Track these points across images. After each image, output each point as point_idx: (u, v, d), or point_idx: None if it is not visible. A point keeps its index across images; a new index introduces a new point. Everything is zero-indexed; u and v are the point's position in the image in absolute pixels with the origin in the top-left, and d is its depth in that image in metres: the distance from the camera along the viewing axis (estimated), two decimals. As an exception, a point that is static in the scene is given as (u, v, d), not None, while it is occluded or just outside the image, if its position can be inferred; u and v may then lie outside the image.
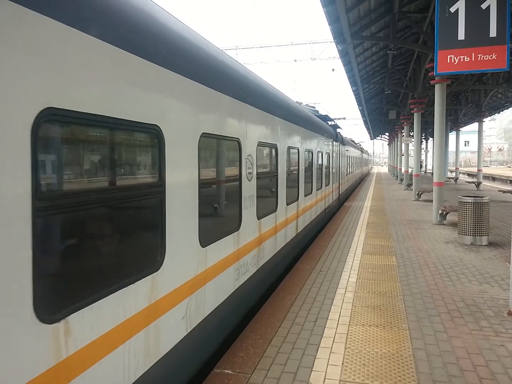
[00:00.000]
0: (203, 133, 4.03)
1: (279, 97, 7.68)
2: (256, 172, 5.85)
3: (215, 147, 4.69)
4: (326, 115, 16.30)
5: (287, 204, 7.90)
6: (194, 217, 3.87)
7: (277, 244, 7.27)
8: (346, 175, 22.80)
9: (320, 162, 12.20)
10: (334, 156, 16.06)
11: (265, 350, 4.54)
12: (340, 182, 18.73)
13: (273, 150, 7.02)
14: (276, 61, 34.52)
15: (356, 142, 40.91)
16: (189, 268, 3.78)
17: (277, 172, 7.15)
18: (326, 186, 13.61)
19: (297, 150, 8.74)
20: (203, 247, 4.11)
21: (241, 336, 4.89)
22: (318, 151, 11.76)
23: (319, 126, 12.18)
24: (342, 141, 19.59)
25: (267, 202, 6.74)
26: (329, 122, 16.80)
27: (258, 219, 6.04)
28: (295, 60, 33.86)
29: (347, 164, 23.45)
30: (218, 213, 4.85)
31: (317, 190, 11.57)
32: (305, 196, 9.74)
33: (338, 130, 18.68)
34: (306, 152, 9.78)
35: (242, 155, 5.32)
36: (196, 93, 3.88)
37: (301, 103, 14.24)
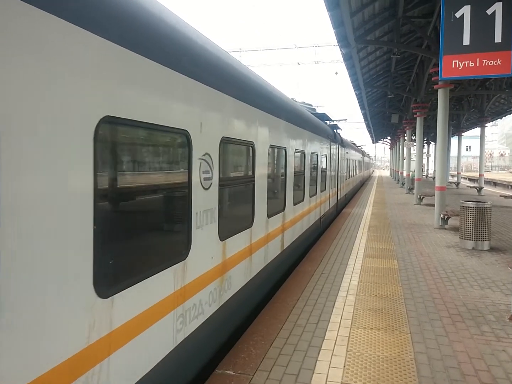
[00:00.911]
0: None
1: (256, 81, 6.07)
2: (219, 178, 4.40)
3: None
4: (324, 113, 15.16)
5: (269, 216, 6.51)
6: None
7: (253, 269, 5.74)
8: (346, 179, 21.33)
9: (314, 165, 10.84)
10: (331, 158, 14.67)
11: (266, 351, 4.54)
12: (338, 187, 17.45)
13: (249, 149, 5.58)
14: (280, 64, 34.60)
15: (357, 145, 39.54)
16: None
17: (254, 177, 5.68)
18: (322, 192, 12.32)
19: (284, 150, 7.42)
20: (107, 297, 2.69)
21: (243, 337, 4.90)
22: (312, 153, 10.39)
23: (314, 124, 10.81)
24: (342, 142, 18.31)
25: (238, 216, 5.41)
26: (328, 122, 15.79)
27: (222, 240, 4.55)
28: (299, 63, 33.95)
29: (347, 167, 22.02)
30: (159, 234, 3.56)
31: (310, 197, 10.26)
32: (294, 204, 8.33)
33: (337, 131, 17.61)
34: (296, 153, 8.43)
35: (193, 154, 3.78)
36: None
37: (296, 101, 13.02)
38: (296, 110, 8.80)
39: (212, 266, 4.28)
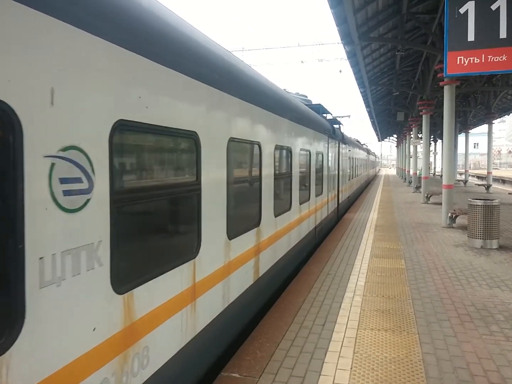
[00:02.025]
0: None
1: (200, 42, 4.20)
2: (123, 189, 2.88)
3: None
4: (320, 104, 13.05)
5: (232, 237, 4.64)
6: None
7: (197, 323, 3.83)
8: (348, 180, 19.13)
9: (305, 164, 8.99)
10: (330, 157, 12.68)
11: (272, 353, 4.51)
12: (339, 189, 15.51)
13: (191, 144, 3.76)
14: (283, 63, 34.56)
15: (362, 143, 37.64)
16: None
17: (200, 183, 3.81)
18: (317, 196, 10.40)
19: (257, 146, 5.60)
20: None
21: (248, 339, 4.87)
22: (303, 150, 8.52)
23: (304, 114, 8.91)
24: (343, 139, 16.23)
25: (166, 244, 3.56)
26: (326, 117, 13.91)
27: (119, 295, 2.71)
28: (302, 62, 33.89)
29: (350, 166, 19.80)
30: None
31: (300, 204, 8.37)
32: (276, 216, 6.52)
33: (339, 126, 15.96)
34: (277, 151, 6.58)
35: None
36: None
37: (289, 92, 11.37)
38: (277, 95, 6.85)
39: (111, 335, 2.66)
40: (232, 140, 4.65)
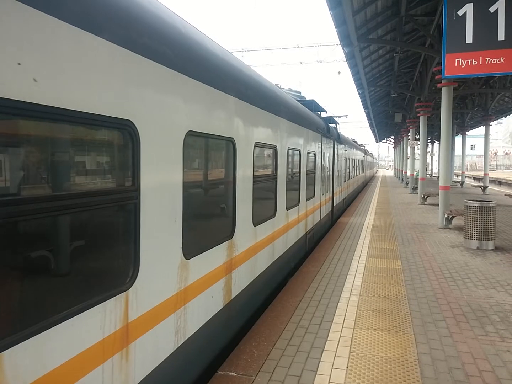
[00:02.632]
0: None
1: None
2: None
3: None
4: (313, 100, 12.04)
5: (190, 255, 3.77)
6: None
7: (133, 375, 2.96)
8: (344, 181, 18.29)
9: (295, 165, 8.24)
10: (324, 157, 11.83)
11: (269, 352, 4.53)
12: (334, 191, 14.71)
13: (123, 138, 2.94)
14: (282, 64, 34.58)
15: (359, 144, 36.99)
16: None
17: (137, 189, 2.96)
18: (308, 200, 9.62)
19: (231, 143, 4.77)
20: None
21: (245, 338, 4.88)
22: (291, 149, 7.70)
23: (293, 109, 7.97)
24: (338, 138, 15.41)
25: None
26: (321, 114, 13.08)
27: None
28: (301, 63, 33.90)
29: (346, 167, 18.98)
30: None
31: (288, 209, 7.57)
32: (256, 225, 5.67)
33: (335, 125, 15.47)
34: (257, 149, 5.72)
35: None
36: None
37: (282, 88, 10.80)
38: (263, 88, 6.12)
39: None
40: (191, 134, 3.74)
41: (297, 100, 9.69)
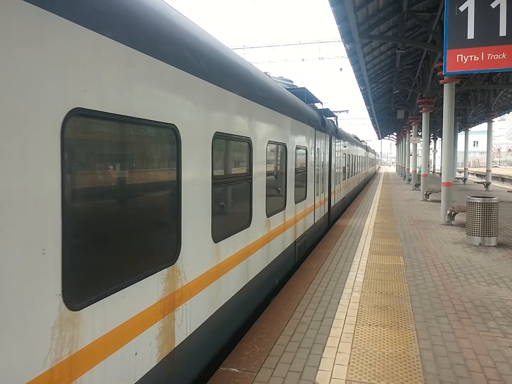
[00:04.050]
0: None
1: None
2: None
3: None
4: (304, 88, 10.84)
5: (73, 308, 2.35)
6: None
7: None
8: (344, 179, 17.19)
9: (278, 163, 6.98)
10: (318, 153, 10.47)
11: (271, 348, 4.55)
12: (332, 190, 13.43)
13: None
14: (284, 61, 34.51)
15: (361, 140, 35.45)
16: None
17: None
18: (298, 202, 8.28)
19: (173, 132, 3.50)
20: None
21: (247, 334, 4.90)
22: (273, 143, 6.34)
23: (275, 95, 6.58)
24: (337, 133, 14.23)
25: None
26: (316, 105, 11.84)
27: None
28: (303, 60, 33.83)
29: (345, 164, 17.87)
30: None
31: (269, 215, 6.23)
32: (218, 240, 4.39)
33: (333, 119, 14.56)
34: (218, 141, 4.44)
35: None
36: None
37: (271, 76, 9.33)
38: (239, 67, 5.05)
39: None
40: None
41: (287, 89, 8.60)
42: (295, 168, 7.92)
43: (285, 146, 7.12)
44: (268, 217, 6.21)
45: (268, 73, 8.68)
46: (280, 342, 4.71)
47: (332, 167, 13.46)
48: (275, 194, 6.79)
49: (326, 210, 12.39)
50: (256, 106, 5.47)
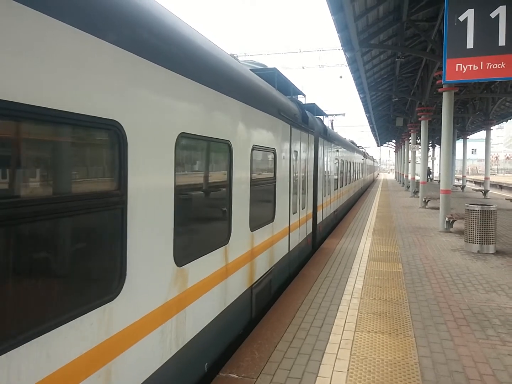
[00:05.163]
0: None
1: None
2: None
3: None
4: (275, 68, 7.68)
5: None
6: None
7: None
8: (335, 189, 14.85)
9: (224, 171, 4.70)
10: (297, 157, 8.16)
11: (270, 354, 4.55)
12: (320, 204, 11.12)
13: None
14: (284, 68, 34.72)
15: (357, 145, 33.11)
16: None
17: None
18: (259, 228, 5.80)
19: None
20: None
21: (247, 340, 4.91)
22: (210, 140, 4.22)
23: (212, 64, 4.30)
24: (326, 134, 11.91)
25: None
26: (295, 97, 9.43)
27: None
28: (303, 67, 34.05)
29: (338, 172, 15.69)
30: None
31: (182, 264, 3.59)
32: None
33: (321, 118, 12.75)
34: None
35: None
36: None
37: (239, 60, 7.02)
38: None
39: None
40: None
41: (252, 70, 6.41)
42: (251, 179, 5.33)
43: (229, 145, 4.61)
44: (179, 266, 3.54)
45: (235, 55, 6.57)
46: (280, 348, 4.72)
47: (319, 175, 11.06)
48: (207, 221, 4.38)
49: (310, 231, 9.93)
50: (177, 78, 3.42)
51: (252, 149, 5.45)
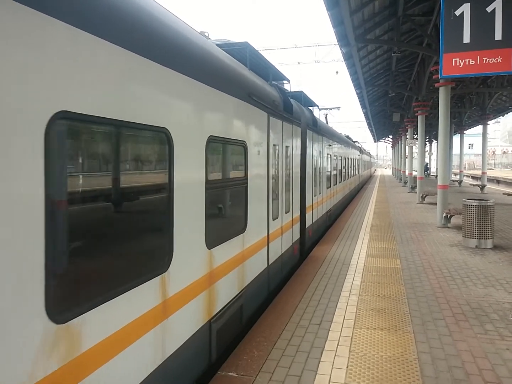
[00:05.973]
0: None
1: None
2: None
3: None
4: (246, 42, 6.07)
5: None
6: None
7: None
8: (328, 187, 13.63)
9: (166, 171, 3.36)
10: (276, 153, 6.87)
11: (269, 352, 4.54)
12: (309, 204, 9.95)
13: None
14: (280, 64, 34.64)
15: (353, 140, 31.21)
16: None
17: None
18: (222, 243, 4.53)
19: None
20: None
21: (245, 338, 4.89)
22: (145, 128, 3.05)
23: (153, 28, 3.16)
24: (315, 126, 10.81)
25: None
26: (274, 82, 7.57)
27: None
28: (299, 63, 33.97)
29: (332, 168, 14.56)
30: None
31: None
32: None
33: (311, 109, 11.57)
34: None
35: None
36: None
37: (209, 37, 5.53)
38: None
39: None
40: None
41: (218, 46, 5.24)
42: (206, 180, 4.13)
43: (166, 134, 3.36)
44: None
45: (206, 33, 5.51)
46: (279, 346, 4.71)
47: (308, 173, 9.88)
48: (142, 238, 3.17)
49: (298, 236, 8.69)
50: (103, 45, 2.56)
51: (208, 141, 4.14)
